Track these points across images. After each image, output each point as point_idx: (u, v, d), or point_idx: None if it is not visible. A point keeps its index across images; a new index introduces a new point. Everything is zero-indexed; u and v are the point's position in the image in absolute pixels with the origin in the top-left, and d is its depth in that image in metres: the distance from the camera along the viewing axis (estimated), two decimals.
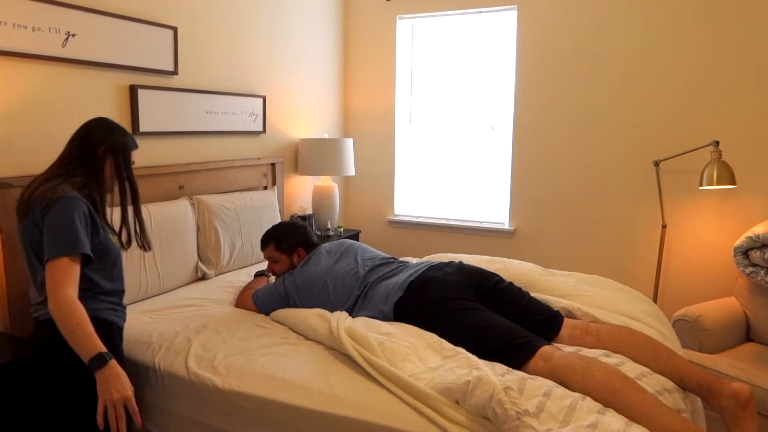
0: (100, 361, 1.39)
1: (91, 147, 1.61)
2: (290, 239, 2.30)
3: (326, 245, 2.29)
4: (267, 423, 1.57)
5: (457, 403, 1.40)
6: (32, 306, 1.58)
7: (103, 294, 1.61)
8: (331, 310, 2.00)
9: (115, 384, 1.40)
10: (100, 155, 1.61)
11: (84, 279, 1.53)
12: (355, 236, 3.72)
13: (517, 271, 2.32)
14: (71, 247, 1.45)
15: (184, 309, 2.16)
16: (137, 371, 1.79)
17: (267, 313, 2.11)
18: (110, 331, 1.59)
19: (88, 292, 1.55)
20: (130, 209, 1.71)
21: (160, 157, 2.59)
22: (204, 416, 1.67)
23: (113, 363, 1.42)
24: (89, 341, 1.40)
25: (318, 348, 1.78)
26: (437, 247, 3.85)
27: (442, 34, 3.75)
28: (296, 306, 2.07)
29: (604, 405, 1.37)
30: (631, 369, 1.55)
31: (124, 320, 1.70)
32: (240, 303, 2.22)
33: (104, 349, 1.41)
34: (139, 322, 2.01)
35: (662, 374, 1.57)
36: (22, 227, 1.53)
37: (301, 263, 2.21)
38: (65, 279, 1.42)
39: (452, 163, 3.82)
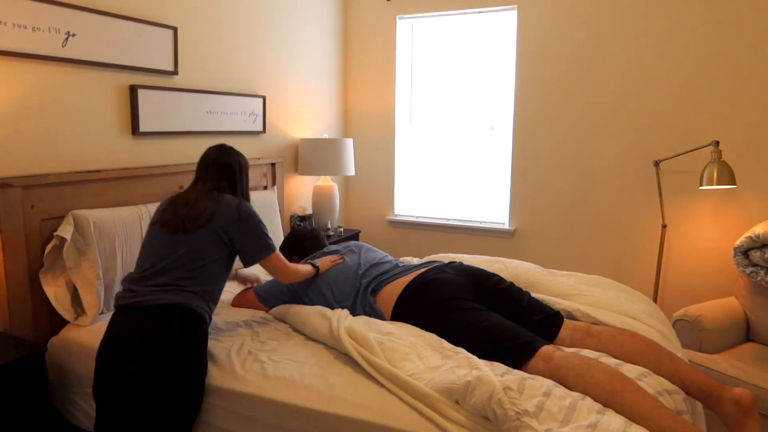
0: (317, 269, 2.10)
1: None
2: (285, 247, 2.43)
3: (332, 248, 2.31)
4: (267, 423, 1.57)
5: (457, 403, 1.40)
6: (158, 287, 1.67)
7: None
8: (333, 307, 2.01)
9: (329, 264, 2.14)
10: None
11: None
12: (355, 236, 3.72)
13: (517, 271, 2.32)
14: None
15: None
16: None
17: (271, 307, 2.11)
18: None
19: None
20: None
21: (160, 157, 2.59)
22: (203, 416, 1.67)
23: (321, 263, 2.12)
24: (309, 269, 2.04)
25: (318, 347, 1.78)
26: (437, 247, 3.85)
27: (442, 34, 3.75)
28: (300, 298, 2.08)
29: (604, 406, 1.37)
30: (632, 369, 1.55)
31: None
32: (239, 302, 2.22)
33: (315, 266, 2.09)
34: None
35: (663, 377, 1.57)
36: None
37: (303, 261, 2.23)
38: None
39: (452, 163, 3.82)
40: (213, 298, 1.77)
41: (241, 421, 1.61)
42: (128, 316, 1.62)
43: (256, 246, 1.80)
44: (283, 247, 2.46)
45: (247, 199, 1.99)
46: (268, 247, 1.83)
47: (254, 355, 1.73)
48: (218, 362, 1.71)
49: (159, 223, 1.78)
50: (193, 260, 1.71)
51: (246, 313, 2.12)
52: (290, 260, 2.39)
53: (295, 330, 1.93)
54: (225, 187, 1.89)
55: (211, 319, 1.78)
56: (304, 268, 2.00)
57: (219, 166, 1.90)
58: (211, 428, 1.66)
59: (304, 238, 2.45)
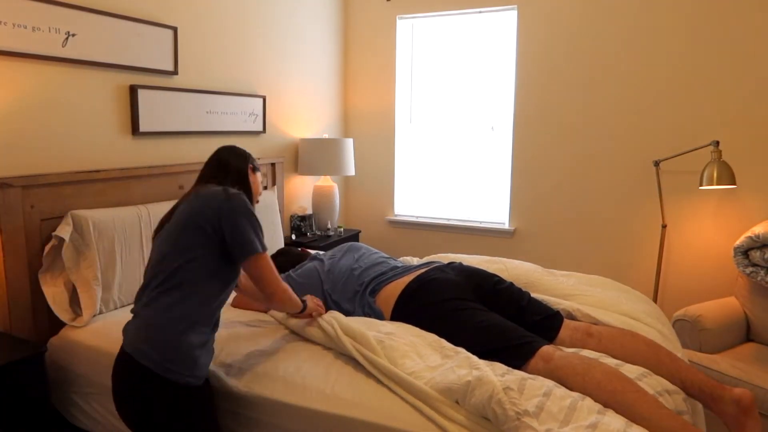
0: (304, 306, 1.77)
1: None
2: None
3: (321, 253, 2.32)
4: (267, 423, 1.56)
5: (457, 403, 1.40)
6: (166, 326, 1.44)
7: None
8: (330, 309, 2.01)
9: (314, 307, 1.83)
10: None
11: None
12: (355, 236, 3.72)
13: (517, 271, 2.32)
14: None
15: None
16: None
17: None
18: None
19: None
20: None
21: (160, 157, 2.59)
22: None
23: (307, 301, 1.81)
24: (295, 298, 1.70)
25: (317, 348, 1.77)
26: (437, 247, 3.85)
27: (442, 34, 3.75)
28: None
29: (604, 406, 1.37)
30: (632, 370, 1.55)
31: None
32: (240, 303, 2.22)
33: (303, 300, 1.78)
34: None
35: (664, 378, 1.57)
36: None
37: (300, 264, 2.23)
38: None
39: (452, 163, 3.82)
40: (201, 321, 1.48)
41: (241, 421, 1.61)
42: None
43: (242, 239, 1.49)
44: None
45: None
46: (253, 243, 1.50)
47: (253, 355, 1.73)
48: (217, 362, 1.71)
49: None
50: (168, 265, 1.46)
51: (248, 314, 2.12)
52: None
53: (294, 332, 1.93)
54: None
55: (203, 361, 1.48)
56: (294, 295, 1.69)
57: (215, 163, 1.69)
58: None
59: (289, 251, 2.46)
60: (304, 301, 1.78)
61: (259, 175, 1.78)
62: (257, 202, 1.77)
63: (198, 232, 1.47)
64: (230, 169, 1.67)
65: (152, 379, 1.40)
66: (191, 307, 1.46)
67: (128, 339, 1.46)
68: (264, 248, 1.54)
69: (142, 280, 2.22)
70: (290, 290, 1.66)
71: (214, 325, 1.55)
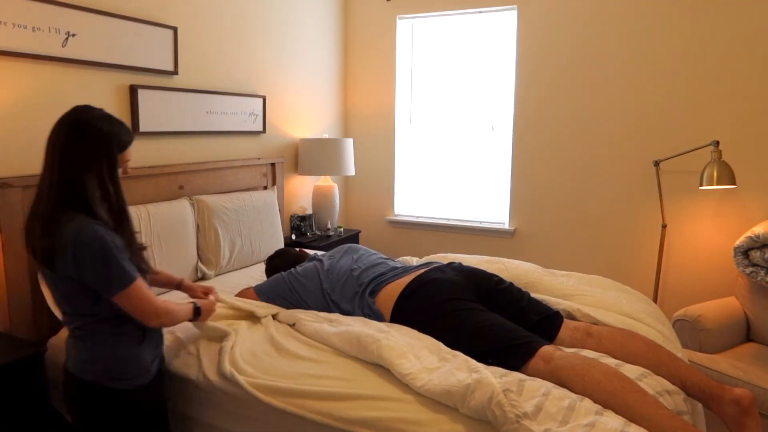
0: (197, 312, 1.70)
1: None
2: (266, 263, 2.46)
3: (319, 254, 2.32)
4: (267, 423, 1.56)
5: (455, 408, 1.40)
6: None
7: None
8: (330, 309, 2.01)
9: (208, 311, 1.77)
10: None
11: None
12: (355, 236, 3.72)
13: (517, 271, 2.32)
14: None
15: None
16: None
17: (269, 301, 2.10)
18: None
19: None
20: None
21: (160, 157, 2.59)
22: (207, 416, 1.67)
23: (199, 305, 1.72)
24: (184, 311, 1.62)
25: (316, 347, 1.77)
26: (437, 247, 3.85)
27: (442, 34, 3.75)
28: (300, 301, 2.07)
29: (604, 406, 1.37)
30: (632, 370, 1.55)
31: None
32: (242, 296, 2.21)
33: (193, 305, 1.69)
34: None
35: (664, 378, 1.57)
36: None
37: (300, 265, 2.23)
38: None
39: (452, 163, 3.82)
40: (130, 329, 1.50)
41: (242, 422, 1.61)
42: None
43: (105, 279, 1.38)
44: (268, 264, 2.45)
45: (114, 197, 1.46)
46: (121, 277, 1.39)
47: (253, 353, 1.73)
48: (215, 362, 1.71)
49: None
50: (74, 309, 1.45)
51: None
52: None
53: (292, 325, 1.93)
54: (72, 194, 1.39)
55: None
56: (179, 307, 1.59)
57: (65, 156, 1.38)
58: (211, 428, 1.67)
59: (286, 252, 2.46)
60: (197, 308, 1.69)
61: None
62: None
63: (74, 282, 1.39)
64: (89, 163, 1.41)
65: (101, 391, 1.45)
66: (116, 324, 1.47)
67: (69, 358, 1.48)
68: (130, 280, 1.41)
69: None
70: (173, 308, 1.54)
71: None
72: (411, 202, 4.00)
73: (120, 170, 1.47)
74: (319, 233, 3.56)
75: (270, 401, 1.51)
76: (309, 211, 3.70)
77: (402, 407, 1.43)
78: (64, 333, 2.00)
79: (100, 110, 1.45)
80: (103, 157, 1.41)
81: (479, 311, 1.76)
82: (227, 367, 1.62)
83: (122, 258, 1.40)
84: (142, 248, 1.54)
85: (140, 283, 1.43)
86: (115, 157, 1.44)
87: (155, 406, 1.59)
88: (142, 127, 2.44)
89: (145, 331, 1.53)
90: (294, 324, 1.91)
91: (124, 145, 1.46)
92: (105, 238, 1.36)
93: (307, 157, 3.44)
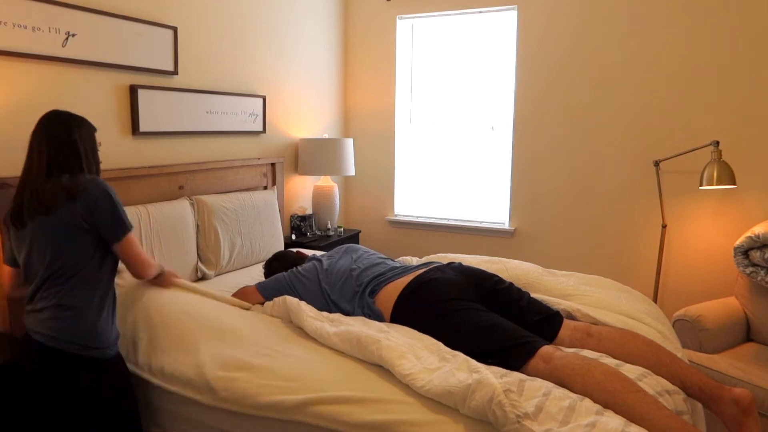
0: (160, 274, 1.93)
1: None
2: (265, 267, 2.46)
3: (318, 254, 2.32)
4: (268, 423, 1.56)
5: (456, 408, 1.40)
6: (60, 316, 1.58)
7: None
8: (329, 309, 2.01)
9: (170, 277, 2.00)
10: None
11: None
12: (355, 236, 3.72)
13: (517, 271, 2.32)
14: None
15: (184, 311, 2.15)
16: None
17: (270, 299, 2.11)
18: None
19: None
20: None
21: (160, 157, 2.59)
22: (204, 416, 1.67)
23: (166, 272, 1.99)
24: (155, 267, 1.84)
25: (314, 345, 1.77)
26: (437, 247, 3.85)
27: (442, 34, 3.75)
28: (297, 295, 2.08)
29: (604, 406, 1.37)
30: (632, 370, 1.55)
31: None
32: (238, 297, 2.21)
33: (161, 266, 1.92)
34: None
35: (664, 378, 1.57)
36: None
37: (301, 265, 2.23)
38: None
39: (452, 163, 3.82)
40: (107, 299, 1.67)
41: (241, 422, 1.61)
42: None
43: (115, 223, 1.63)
44: (267, 267, 2.45)
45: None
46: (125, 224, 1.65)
47: (254, 354, 1.73)
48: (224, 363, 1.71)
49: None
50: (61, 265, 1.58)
51: (244, 314, 2.11)
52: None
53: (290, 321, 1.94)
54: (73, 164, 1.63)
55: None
56: (153, 262, 1.81)
57: (56, 141, 1.62)
58: (210, 429, 1.66)
59: (285, 255, 2.46)
60: (162, 270, 1.93)
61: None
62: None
63: (81, 232, 1.58)
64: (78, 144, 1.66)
65: (76, 360, 1.56)
66: (97, 291, 1.62)
67: (44, 329, 1.55)
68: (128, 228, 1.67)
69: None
70: (150, 261, 1.78)
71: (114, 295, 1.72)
72: (411, 202, 4.00)
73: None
74: (319, 233, 3.56)
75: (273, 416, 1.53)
76: (309, 211, 3.70)
77: (403, 409, 1.43)
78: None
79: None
80: (87, 136, 1.67)
81: (479, 311, 1.76)
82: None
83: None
84: None
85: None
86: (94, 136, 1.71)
87: (125, 378, 1.69)
88: (142, 127, 2.44)
89: (114, 305, 1.70)
90: (292, 319, 1.92)
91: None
92: (113, 190, 1.64)
93: (307, 157, 3.44)
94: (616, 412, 1.35)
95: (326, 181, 3.61)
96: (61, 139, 1.60)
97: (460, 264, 2.07)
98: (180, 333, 1.82)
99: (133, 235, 1.67)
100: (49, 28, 2.03)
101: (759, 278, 2.50)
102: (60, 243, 1.55)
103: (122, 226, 1.63)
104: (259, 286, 2.17)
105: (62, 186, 1.56)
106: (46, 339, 1.54)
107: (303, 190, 3.70)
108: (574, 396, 1.38)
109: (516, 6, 3.42)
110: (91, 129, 1.70)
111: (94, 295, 1.61)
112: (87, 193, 1.57)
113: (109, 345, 1.63)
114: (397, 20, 3.81)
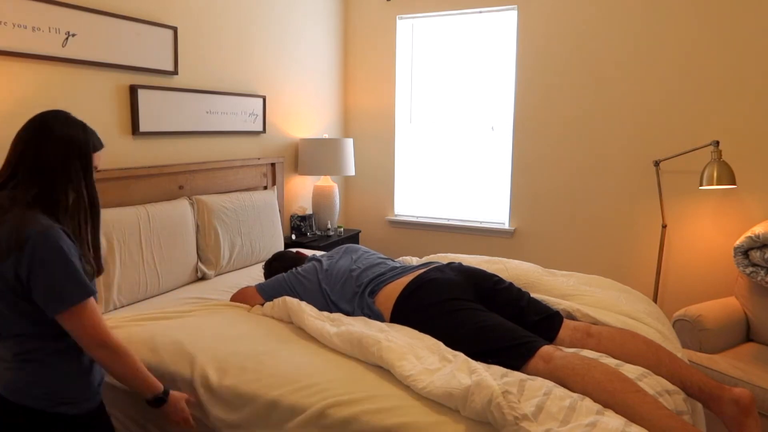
0: (165, 397, 1.44)
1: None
2: (265, 267, 2.44)
3: (318, 254, 2.32)
4: (268, 423, 1.56)
5: (457, 410, 1.40)
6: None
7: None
8: (329, 309, 2.01)
9: (177, 411, 1.48)
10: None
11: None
12: (355, 236, 3.72)
13: (517, 271, 2.32)
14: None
15: (185, 311, 2.16)
16: None
17: (270, 300, 2.11)
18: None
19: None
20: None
21: (160, 157, 2.59)
22: (204, 417, 1.67)
23: (172, 394, 1.47)
24: (152, 379, 1.41)
25: (315, 346, 1.77)
26: (437, 247, 3.86)
27: (442, 34, 3.75)
28: (297, 296, 2.07)
29: (604, 406, 1.37)
30: (632, 370, 1.55)
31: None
32: (237, 299, 2.21)
33: (163, 387, 1.45)
34: (140, 323, 2.01)
35: (664, 378, 1.57)
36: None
37: (301, 266, 2.23)
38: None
39: (452, 163, 3.82)
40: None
41: (241, 422, 1.61)
42: None
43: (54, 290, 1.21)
44: (267, 267, 2.44)
45: (86, 202, 1.34)
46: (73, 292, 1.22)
47: (255, 353, 1.73)
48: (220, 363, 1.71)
49: None
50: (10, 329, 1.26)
51: (243, 314, 2.11)
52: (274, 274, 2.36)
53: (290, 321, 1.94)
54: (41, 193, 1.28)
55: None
56: (140, 364, 1.38)
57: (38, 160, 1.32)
58: (209, 428, 1.66)
59: (284, 255, 2.45)
60: (166, 390, 1.45)
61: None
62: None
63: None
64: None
65: (46, 419, 1.28)
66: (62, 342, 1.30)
67: (3, 382, 1.28)
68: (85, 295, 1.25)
69: (139, 281, 2.22)
70: (126, 346, 1.33)
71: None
72: (411, 202, 4.00)
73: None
74: (319, 233, 3.56)
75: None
76: (309, 211, 3.70)
77: (405, 411, 1.42)
78: None
79: (67, 113, 1.38)
80: (76, 158, 1.32)
81: (479, 311, 1.76)
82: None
83: (80, 269, 1.25)
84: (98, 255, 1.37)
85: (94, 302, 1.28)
86: (90, 158, 1.34)
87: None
88: (142, 127, 2.44)
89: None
90: (292, 320, 1.92)
91: (98, 146, 1.37)
92: (67, 245, 1.24)
93: (307, 157, 3.44)
94: (616, 412, 1.35)
95: (326, 181, 3.61)
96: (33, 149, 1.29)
97: (459, 264, 2.07)
98: (179, 347, 1.77)
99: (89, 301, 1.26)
100: (49, 28, 2.03)
101: (759, 278, 2.50)
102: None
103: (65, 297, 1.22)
104: (259, 287, 2.17)
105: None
106: (5, 391, 1.29)
107: (303, 190, 3.71)
108: (575, 395, 1.38)
109: (516, 6, 3.42)
110: (80, 143, 1.32)
111: (53, 341, 1.29)
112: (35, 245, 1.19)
113: (81, 399, 1.34)
114: (397, 20, 3.81)
